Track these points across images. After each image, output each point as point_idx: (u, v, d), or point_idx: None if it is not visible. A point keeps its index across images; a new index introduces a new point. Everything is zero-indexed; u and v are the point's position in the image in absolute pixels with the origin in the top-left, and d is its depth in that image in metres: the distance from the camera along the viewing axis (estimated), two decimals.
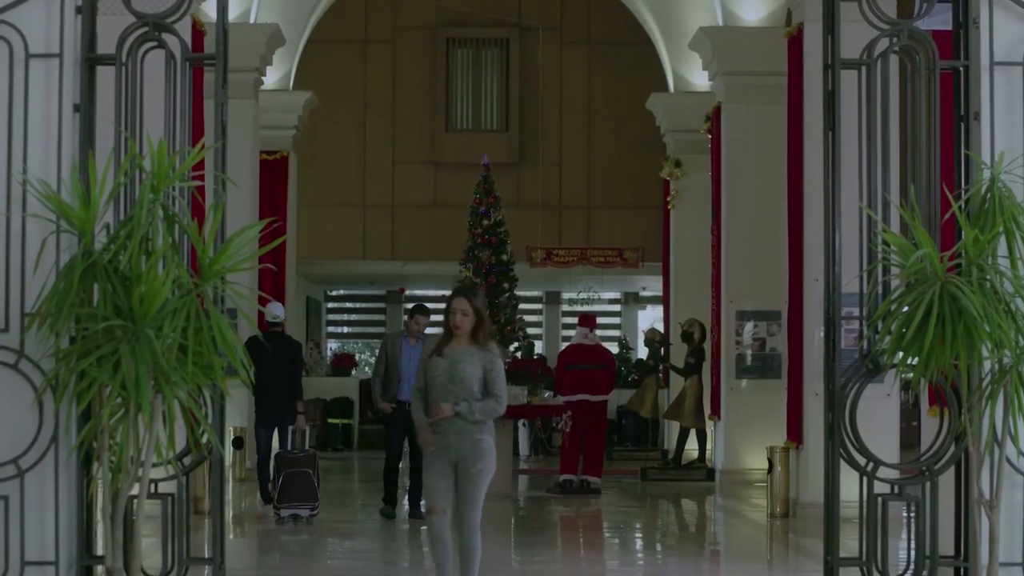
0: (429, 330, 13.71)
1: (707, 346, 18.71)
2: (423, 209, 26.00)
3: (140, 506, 6.94)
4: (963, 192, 7.47)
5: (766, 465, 14.25)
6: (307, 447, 14.44)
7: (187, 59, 7.46)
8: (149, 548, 7.64)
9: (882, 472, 7.53)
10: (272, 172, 19.67)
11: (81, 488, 7.25)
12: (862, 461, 7.50)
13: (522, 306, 23.84)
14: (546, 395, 18.88)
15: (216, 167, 7.37)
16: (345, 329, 32.77)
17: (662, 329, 21.99)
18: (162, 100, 7.40)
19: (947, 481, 7.54)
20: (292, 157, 20.59)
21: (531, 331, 26.17)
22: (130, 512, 7.03)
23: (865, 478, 7.50)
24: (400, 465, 14.09)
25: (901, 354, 7.22)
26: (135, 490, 6.97)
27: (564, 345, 20.23)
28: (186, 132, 7.43)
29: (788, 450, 14.14)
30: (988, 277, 7.09)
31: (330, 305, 32.08)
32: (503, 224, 22.37)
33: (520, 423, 21.56)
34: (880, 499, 7.47)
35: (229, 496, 15.31)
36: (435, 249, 25.34)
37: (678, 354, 19.51)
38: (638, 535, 14.00)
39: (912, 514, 7.51)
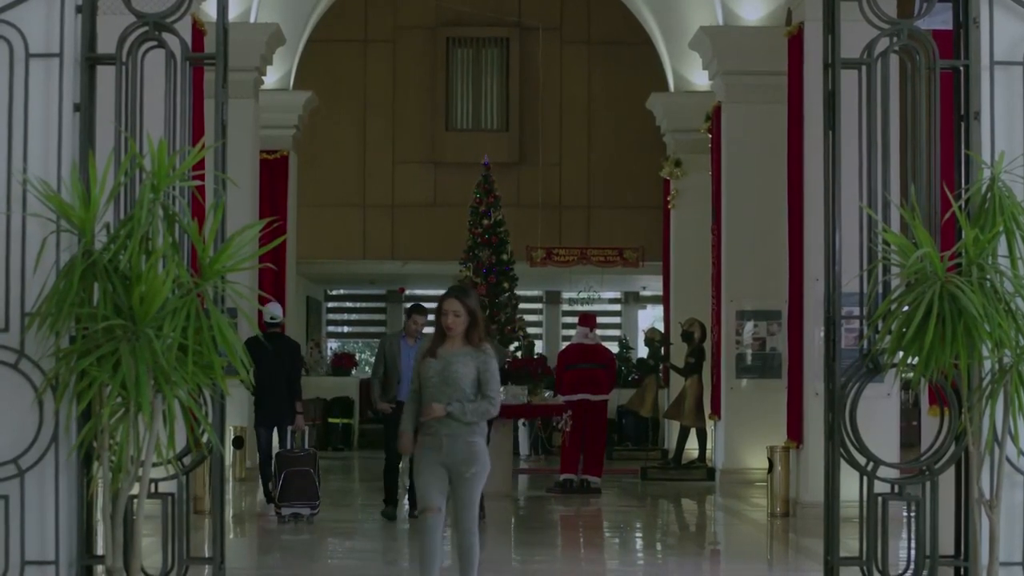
0: (427, 330, 13.71)
1: (707, 346, 18.71)
2: (423, 209, 26.01)
3: (140, 506, 6.94)
4: (963, 192, 7.47)
5: (766, 465, 14.25)
6: (306, 447, 14.45)
7: (187, 59, 7.46)
8: (149, 548, 7.64)
9: (882, 472, 7.53)
10: (272, 172, 19.67)
11: (81, 488, 7.25)
12: (862, 461, 7.50)
13: (522, 306, 23.87)
14: (546, 395, 18.88)
15: (216, 167, 7.37)
16: (345, 329, 32.78)
17: (662, 329, 22.00)
18: (162, 100, 7.40)
19: (947, 481, 7.54)
20: (292, 157, 20.59)
21: (531, 331, 26.18)
22: (130, 512, 7.03)
23: (865, 478, 7.50)
24: (400, 465, 14.09)
25: (901, 354, 7.22)
26: (135, 490, 6.97)
27: (564, 345, 20.23)
28: (186, 132, 7.42)
29: (788, 450, 14.14)
30: (988, 277, 7.09)
31: (330, 305, 32.08)
32: (503, 224, 22.39)
33: (520, 423, 21.55)
34: (880, 499, 7.47)
35: (229, 496, 15.32)
36: (435, 249, 25.35)
37: (678, 354, 19.51)
38: (638, 535, 14.00)
39: (912, 514, 7.51)
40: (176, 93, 7.41)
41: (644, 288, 30.01)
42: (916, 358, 7.08)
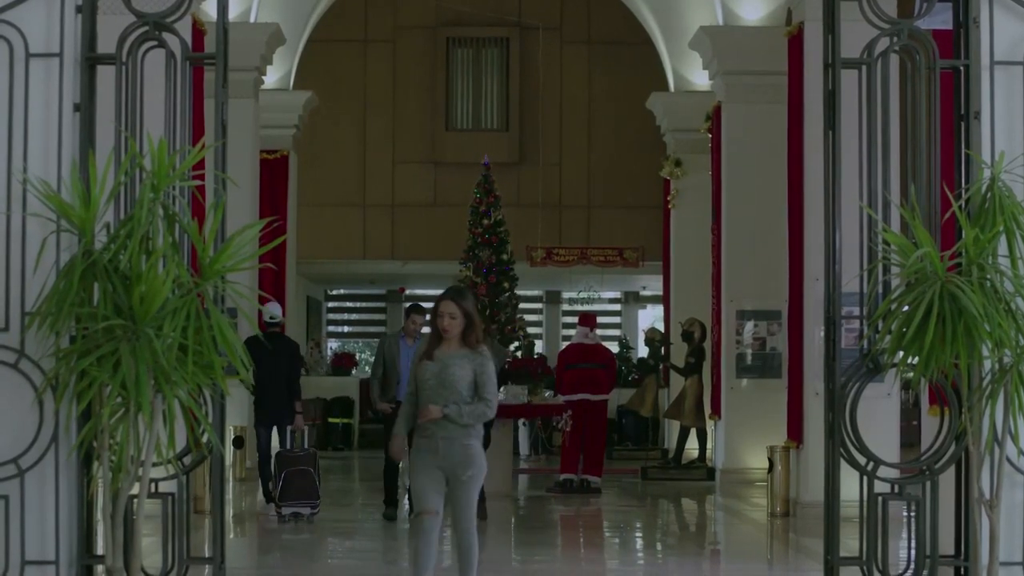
0: (426, 329, 13.71)
1: (707, 345, 18.71)
2: (423, 208, 26.02)
3: (140, 505, 6.94)
4: (963, 191, 7.47)
5: (766, 464, 14.25)
6: (306, 446, 14.46)
7: (187, 58, 7.46)
8: (149, 547, 7.64)
9: (882, 471, 7.53)
10: (272, 171, 19.67)
11: (81, 487, 7.25)
12: (862, 460, 7.50)
13: (522, 305, 23.87)
14: (546, 394, 18.88)
15: (216, 166, 7.36)
16: (345, 328, 32.78)
17: (662, 328, 22.00)
18: (162, 99, 7.40)
19: (947, 480, 7.54)
20: (292, 156, 20.59)
21: (531, 330, 26.18)
22: (130, 511, 7.03)
23: (865, 477, 7.50)
24: (400, 465, 14.09)
25: (901, 353, 7.22)
26: (135, 489, 6.97)
27: (564, 344, 20.23)
28: (186, 131, 7.42)
29: (788, 449, 14.14)
30: (988, 276, 7.09)
31: (330, 304, 32.09)
32: (503, 223, 22.39)
33: (520, 422, 21.56)
34: (880, 498, 7.47)
35: (229, 495, 15.32)
36: (435, 248, 25.36)
37: (678, 353, 19.51)
38: (638, 534, 14.00)
39: (912, 513, 7.51)
40: (176, 93, 7.41)
41: (644, 288, 30.01)
42: (916, 358, 7.08)
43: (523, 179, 25.77)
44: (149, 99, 7.42)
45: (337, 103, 24.95)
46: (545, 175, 25.72)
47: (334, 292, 31.91)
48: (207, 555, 7.71)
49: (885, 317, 7.29)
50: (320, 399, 23.86)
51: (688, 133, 20.95)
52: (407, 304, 15.63)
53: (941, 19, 8.02)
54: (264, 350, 11.92)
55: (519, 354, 21.92)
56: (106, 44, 7.43)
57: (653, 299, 29.34)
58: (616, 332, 29.35)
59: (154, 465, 6.93)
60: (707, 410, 18.65)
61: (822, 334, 8.07)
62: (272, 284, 17.97)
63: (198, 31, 12.85)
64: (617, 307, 31.32)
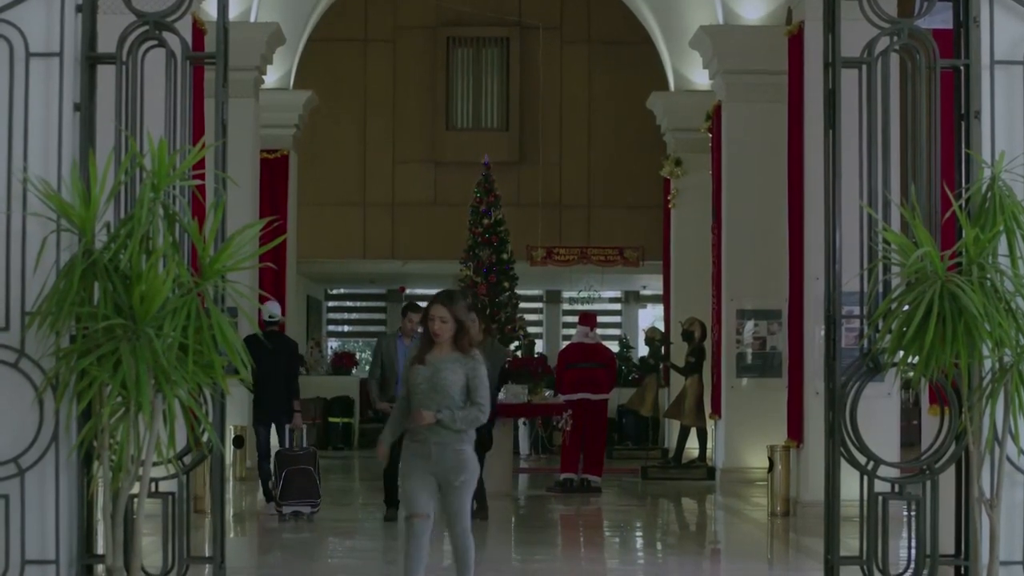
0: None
1: (707, 345, 18.71)
2: (423, 208, 26.02)
3: (140, 505, 6.95)
4: (964, 191, 7.47)
5: (767, 464, 14.25)
6: (305, 445, 14.48)
7: (187, 58, 7.46)
8: (149, 547, 7.64)
9: (882, 471, 7.53)
10: (272, 171, 19.67)
11: (81, 487, 7.25)
12: (862, 460, 7.50)
13: (522, 305, 23.86)
14: (547, 394, 18.88)
15: (216, 166, 7.37)
16: (346, 328, 32.77)
17: (663, 328, 21.99)
18: (162, 99, 7.40)
19: (947, 480, 7.54)
20: (292, 156, 20.59)
21: (531, 330, 26.17)
22: (131, 511, 7.04)
23: (865, 477, 7.50)
24: (401, 465, 14.07)
25: (902, 353, 7.22)
26: (135, 489, 6.98)
27: (564, 344, 20.22)
28: (186, 131, 7.43)
29: (788, 449, 14.14)
30: (988, 276, 7.09)
31: (330, 304, 32.08)
32: (503, 223, 22.38)
33: (520, 422, 21.55)
34: (881, 498, 7.47)
35: (229, 495, 15.32)
36: (435, 248, 25.35)
37: (678, 353, 19.51)
38: (638, 534, 13.99)
39: (912, 513, 7.51)
40: (176, 92, 7.41)
41: (644, 287, 30.00)
42: (916, 357, 7.08)
43: (523, 178, 25.77)
44: (149, 98, 7.42)
45: (337, 102, 24.95)
46: (545, 174, 25.72)
47: (334, 291, 31.90)
48: (207, 554, 7.71)
49: (885, 316, 7.29)
50: (320, 398, 23.85)
51: (688, 132, 20.95)
52: (404, 303, 15.62)
53: (941, 18, 8.02)
54: (263, 349, 11.92)
55: (519, 354, 21.91)
56: (106, 43, 7.43)
57: (653, 298, 29.33)
58: (616, 332, 29.35)
59: (154, 464, 6.94)
60: (707, 409, 18.65)
61: (822, 333, 8.07)
62: (272, 283, 17.97)
63: (198, 30, 12.85)
64: (617, 306, 31.31)
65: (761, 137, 16.63)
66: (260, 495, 14.72)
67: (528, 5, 25.95)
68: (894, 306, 7.24)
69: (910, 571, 7.46)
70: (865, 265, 7.58)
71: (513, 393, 16.56)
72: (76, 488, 7.22)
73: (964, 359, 6.98)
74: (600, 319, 19.78)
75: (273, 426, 14.33)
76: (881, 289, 7.48)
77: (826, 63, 7.67)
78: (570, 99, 26.16)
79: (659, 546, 13.15)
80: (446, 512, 7.91)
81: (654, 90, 21.97)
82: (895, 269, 7.41)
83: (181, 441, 7.11)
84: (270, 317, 14.24)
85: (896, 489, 7.53)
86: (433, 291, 8.64)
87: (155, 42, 7.39)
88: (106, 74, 7.41)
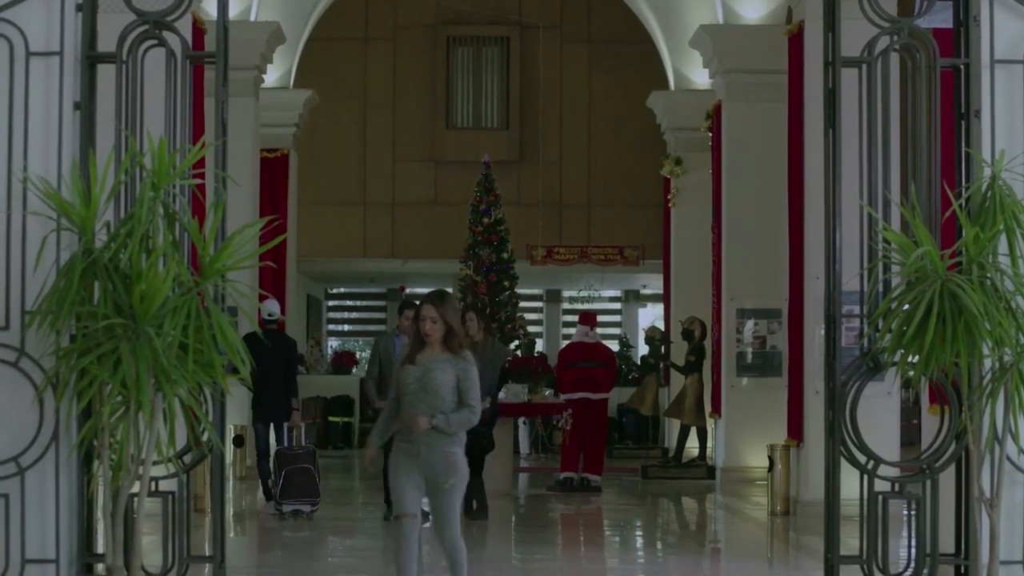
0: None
1: (708, 344, 18.70)
2: (423, 207, 26.01)
3: (141, 504, 6.95)
4: (964, 190, 7.47)
5: (767, 463, 14.25)
6: (304, 443, 14.50)
7: (188, 57, 7.46)
8: (149, 546, 7.64)
9: (883, 470, 7.53)
10: (272, 170, 19.67)
11: (82, 486, 7.25)
12: (863, 459, 7.50)
13: (523, 304, 23.87)
14: (547, 393, 18.88)
15: (217, 165, 7.37)
16: (346, 327, 32.77)
17: (663, 327, 21.99)
18: (163, 98, 7.40)
19: (948, 479, 7.54)
20: (292, 155, 20.59)
21: (532, 329, 26.17)
22: (131, 510, 7.04)
23: (866, 476, 7.50)
24: (389, 465, 14.07)
25: (902, 352, 7.22)
26: (136, 488, 6.98)
27: (565, 343, 20.23)
28: (186, 130, 7.42)
29: (789, 448, 14.14)
30: (989, 275, 7.09)
31: (331, 303, 32.08)
32: (503, 222, 22.38)
33: (521, 421, 21.55)
34: (881, 497, 7.47)
35: (229, 494, 15.32)
36: (435, 247, 25.35)
37: (679, 352, 19.51)
38: (639, 533, 14.00)
39: (913, 512, 7.51)
40: (176, 91, 7.41)
41: (644, 286, 29.99)
42: (916, 356, 7.08)
43: (523, 178, 25.77)
44: (149, 98, 7.42)
45: (337, 102, 24.95)
46: (545, 174, 25.71)
47: (334, 291, 31.90)
48: (207, 554, 7.72)
49: (885, 316, 7.29)
50: (320, 398, 23.85)
51: (688, 132, 20.95)
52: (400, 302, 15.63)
53: (941, 17, 8.02)
54: (263, 348, 11.93)
55: (519, 353, 21.91)
56: (106, 43, 7.43)
57: (653, 298, 29.32)
58: (616, 331, 29.35)
59: (154, 464, 6.94)
60: (707, 409, 18.65)
61: (822, 333, 8.07)
62: (272, 283, 17.98)
63: (198, 30, 12.86)
64: (617, 306, 31.31)
65: (761, 136, 16.63)
66: (260, 494, 14.73)
67: (528, 4, 25.95)
68: (894, 305, 7.24)
69: (910, 570, 7.46)
70: (865, 264, 7.58)
71: (513, 392, 16.56)
72: (76, 487, 7.22)
73: (964, 358, 6.98)
74: (600, 318, 19.77)
75: (272, 425, 14.35)
76: (881, 288, 7.48)
77: (826, 62, 7.67)
78: (570, 98, 26.16)
79: (659, 545, 13.15)
80: (436, 517, 7.85)
81: (654, 89, 21.97)
82: (895, 268, 7.41)
83: (181, 440, 7.11)
84: (269, 315, 14.26)
85: (896, 488, 7.53)
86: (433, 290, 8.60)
87: (155, 41, 7.39)
88: (106, 73, 7.41)
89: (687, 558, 12.08)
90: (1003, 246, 7.19)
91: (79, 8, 7.33)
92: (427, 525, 8.89)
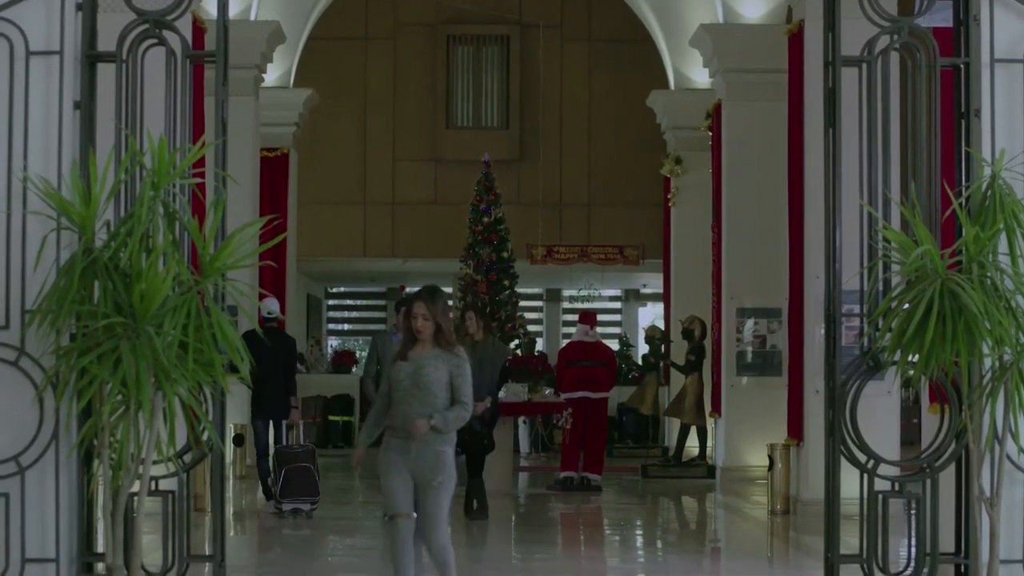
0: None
1: (708, 343, 18.70)
2: (424, 206, 26.01)
3: (141, 503, 6.95)
4: (964, 189, 7.47)
5: (767, 462, 14.26)
6: (303, 442, 14.51)
7: (188, 56, 7.46)
8: (150, 545, 7.64)
9: (883, 469, 7.53)
10: (272, 169, 19.67)
11: (82, 485, 7.25)
12: (863, 458, 7.50)
13: (523, 303, 23.84)
14: (547, 392, 18.88)
15: (217, 164, 7.37)
16: (346, 326, 32.78)
17: (663, 326, 21.98)
18: (163, 97, 7.40)
19: (948, 478, 7.54)
20: (292, 154, 20.59)
21: (532, 328, 26.16)
22: (131, 509, 7.04)
23: (866, 475, 7.50)
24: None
25: (902, 351, 7.22)
26: (136, 487, 6.98)
27: (565, 342, 20.23)
28: (187, 129, 7.42)
29: (789, 447, 14.15)
30: (989, 274, 7.09)
31: (331, 302, 32.08)
32: (503, 221, 22.37)
33: (521, 420, 21.55)
34: (881, 496, 7.47)
35: (229, 493, 15.33)
36: (436, 246, 25.34)
37: (679, 351, 19.51)
38: (639, 532, 14.00)
39: (913, 511, 7.51)
40: (176, 91, 7.42)
41: (644, 286, 30.00)
42: (916, 356, 7.08)
43: (523, 177, 25.76)
44: (149, 97, 7.42)
45: (337, 101, 24.94)
46: (545, 173, 25.71)
47: (334, 290, 31.90)
48: (207, 553, 7.72)
49: (885, 315, 7.29)
50: (320, 397, 23.85)
51: (688, 131, 20.94)
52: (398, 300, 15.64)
53: (941, 17, 8.02)
54: (262, 346, 11.95)
55: (519, 352, 21.91)
56: (106, 42, 7.43)
57: (653, 297, 29.33)
58: (616, 330, 29.35)
59: (154, 463, 6.94)
60: (707, 408, 18.65)
61: (822, 332, 8.07)
62: (272, 282, 17.98)
63: (198, 29, 12.86)
64: (617, 305, 31.31)
65: (761, 136, 16.63)
66: (260, 493, 14.73)
67: (528, 3, 25.95)
68: (894, 304, 7.24)
69: (910, 569, 7.46)
70: (865, 263, 7.58)
71: (513, 391, 16.56)
72: (76, 486, 7.22)
73: (964, 357, 6.98)
74: (600, 317, 19.77)
75: (272, 423, 14.37)
76: (881, 287, 7.48)
77: (826, 62, 7.67)
78: (570, 97, 26.16)
79: (659, 544, 13.15)
80: (422, 516, 7.79)
81: (654, 88, 21.97)
82: (895, 267, 7.41)
83: (181, 439, 7.11)
84: (268, 314, 14.27)
85: (896, 487, 7.53)
86: None
87: (155, 40, 7.39)
88: (106, 72, 7.42)
89: (687, 557, 12.08)
90: (1003, 245, 7.19)
91: (79, 7, 7.33)
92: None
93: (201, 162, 7.60)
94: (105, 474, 6.95)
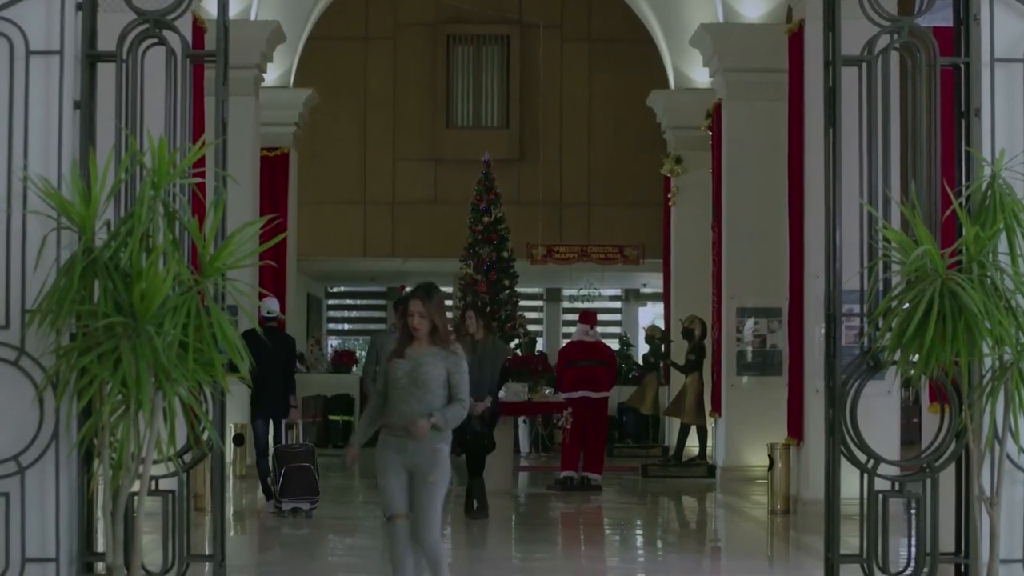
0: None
1: (708, 343, 18.71)
2: (424, 206, 26.02)
3: (141, 503, 6.94)
4: (964, 189, 7.47)
5: (767, 462, 14.26)
6: (302, 441, 14.52)
7: (188, 56, 7.46)
8: (150, 545, 7.64)
9: (883, 469, 7.53)
10: (273, 169, 19.67)
11: (82, 485, 7.25)
12: (863, 458, 7.50)
13: (523, 303, 23.86)
14: (547, 392, 18.88)
15: (217, 164, 7.36)
16: (346, 326, 32.78)
17: (663, 326, 21.98)
18: (163, 97, 7.39)
19: (948, 478, 7.54)
20: (293, 154, 20.59)
21: (532, 328, 26.17)
22: (131, 509, 7.03)
23: (866, 475, 7.50)
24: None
25: (902, 351, 7.22)
26: (136, 487, 6.98)
27: (565, 342, 20.23)
28: (187, 129, 7.42)
29: (789, 447, 14.15)
30: (989, 274, 7.09)
31: (331, 302, 32.09)
32: (504, 221, 22.38)
33: (521, 420, 21.55)
34: (881, 496, 7.47)
35: (230, 493, 15.32)
36: (436, 246, 25.35)
37: (679, 351, 19.51)
38: (639, 532, 14.00)
39: (913, 511, 7.51)
40: (176, 90, 7.41)
41: (645, 285, 30.00)
42: (916, 355, 7.08)
43: (523, 176, 25.77)
44: (149, 97, 7.42)
45: (337, 100, 24.95)
46: (545, 172, 25.71)
47: (334, 289, 31.91)
48: (207, 552, 7.72)
49: (885, 314, 7.29)
50: (321, 396, 23.85)
51: (688, 130, 20.95)
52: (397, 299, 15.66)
53: (941, 16, 8.02)
54: (262, 345, 11.95)
55: (519, 352, 21.91)
56: (106, 42, 7.43)
57: (653, 296, 29.34)
58: (616, 329, 29.35)
59: (154, 462, 6.94)
60: (707, 407, 18.65)
61: (823, 331, 8.07)
62: (272, 281, 17.98)
63: (198, 28, 12.86)
64: (617, 304, 31.31)
65: (761, 135, 16.63)
66: (260, 493, 14.73)
67: (528, 3, 25.96)
68: (894, 304, 7.24)
69: (910, 569, 7.46)
70: (865, 263, 7.58)
71: (513, 391, 16.56)
72: (76, 486, 7.22)
73: (964, 357, 6.98)
74: (600, 317, 19.77)
75: (272, 422, 14.38)
76: (881, 287, 7.48)
77: (826, 61, 7.67)
78: (570, 97, 26.16)
79: (659, 544, 13.15)
80: (415, 513, 7.77)
81: (654, 88, 21.98)
82: (895, 267, 7.41)
83: (181, 439, 7.11)
84: (268, 313, 14.27)
85: (896, 487, 7.53)
86: None
87: (155, 40, 7.39)
88: (106, 72, 7.41)
89: (687, 557, 12.08)
90: (1003, 245, 7.18)
91: (79, 7, 7.33)
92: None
93: (201, 162, 7.60)
94: (105, 474, 6.95)
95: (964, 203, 7.33)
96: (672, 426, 21.01)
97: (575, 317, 20.16)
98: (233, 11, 13.22)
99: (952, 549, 7.55)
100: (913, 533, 7.48)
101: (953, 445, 7.40)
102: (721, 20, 18.10)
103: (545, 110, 26.04)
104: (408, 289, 29.06)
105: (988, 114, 7.51)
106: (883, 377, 7.82)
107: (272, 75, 19.78)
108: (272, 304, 14.42)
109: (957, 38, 7.69)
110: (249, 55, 17.27)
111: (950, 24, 7.77)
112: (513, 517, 14.68)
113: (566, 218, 26.06)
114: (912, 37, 7.59)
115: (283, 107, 20.30)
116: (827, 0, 7.67)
